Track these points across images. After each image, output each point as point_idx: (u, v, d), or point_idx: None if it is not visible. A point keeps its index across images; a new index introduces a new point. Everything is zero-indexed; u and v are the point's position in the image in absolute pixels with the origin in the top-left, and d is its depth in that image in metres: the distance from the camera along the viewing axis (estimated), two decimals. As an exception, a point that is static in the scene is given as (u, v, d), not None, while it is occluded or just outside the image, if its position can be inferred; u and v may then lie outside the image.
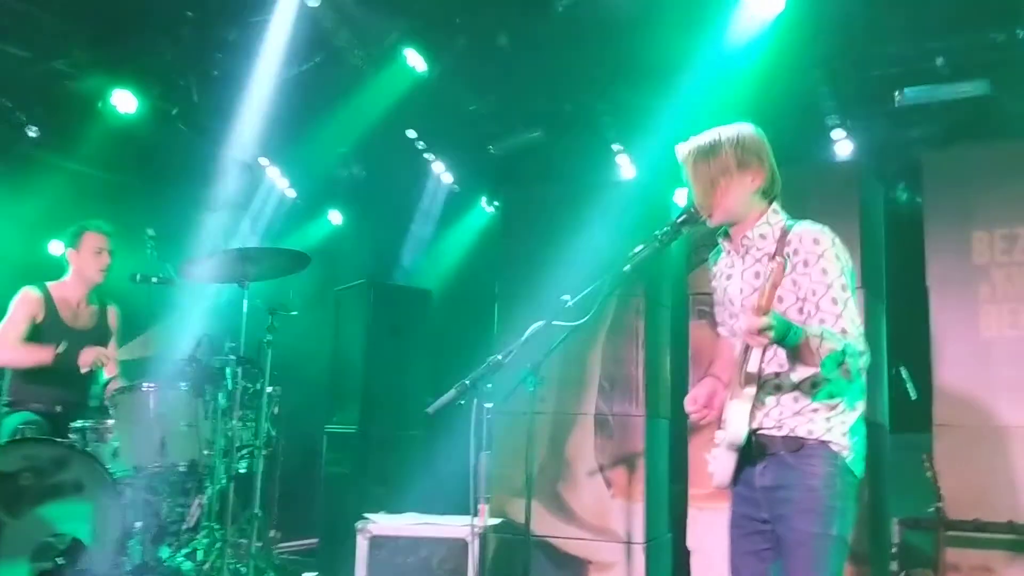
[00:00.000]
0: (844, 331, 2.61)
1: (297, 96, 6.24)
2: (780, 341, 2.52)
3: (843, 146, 5.87)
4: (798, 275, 2.69)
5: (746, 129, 2.84)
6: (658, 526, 5.25)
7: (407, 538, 4.44)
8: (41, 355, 4.76)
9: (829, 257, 2.69)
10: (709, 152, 2.80)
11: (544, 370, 3.49)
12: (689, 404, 2.92)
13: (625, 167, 6.65)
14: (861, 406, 2.78)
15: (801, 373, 2.69)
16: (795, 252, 2.69)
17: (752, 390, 2.72)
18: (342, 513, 6.12)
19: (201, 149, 6.80)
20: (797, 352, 2.60)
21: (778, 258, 2.57)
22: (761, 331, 2.45)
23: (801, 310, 2.70)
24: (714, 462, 2.82)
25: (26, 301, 4.85)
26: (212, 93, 6.29)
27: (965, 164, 4.86)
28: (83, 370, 4.77)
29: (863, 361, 2.63)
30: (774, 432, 2.74)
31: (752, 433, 2.74)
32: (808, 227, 2.75)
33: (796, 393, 2.73)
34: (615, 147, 6.56)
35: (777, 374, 2.75)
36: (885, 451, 4.85)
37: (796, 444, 2.71)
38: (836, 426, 2.71)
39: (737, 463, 2.78)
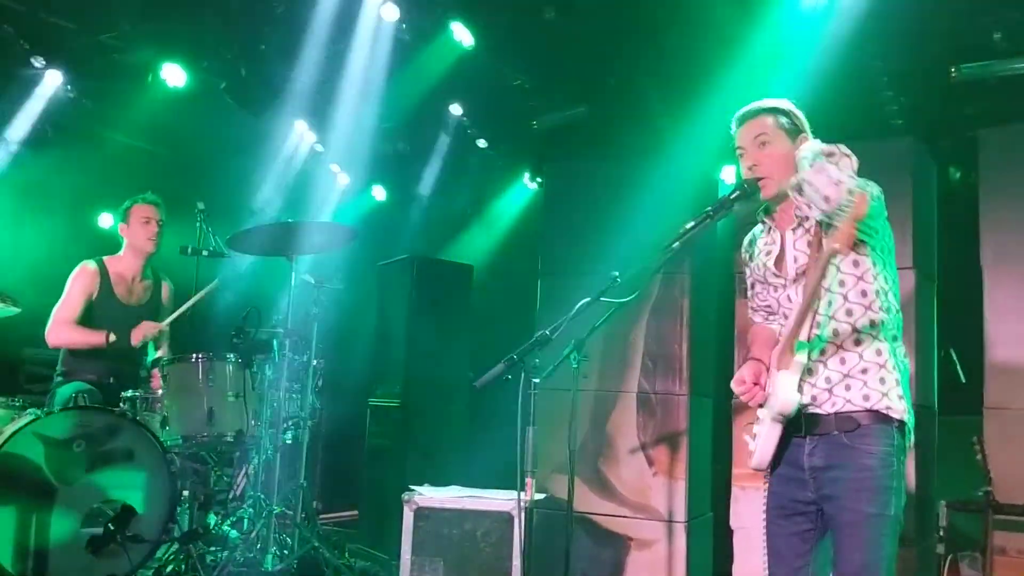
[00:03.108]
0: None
1: (343, 70, 6.25)
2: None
3: (897, 123, 5.74)
4: None
5: (789, 102, 2.91)
6: (700, 505, 5.23)
7: (452, 510, 4.47)
8: (94, 339, 4.88)
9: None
10: (761, 121, 2.86)
11: (587, 347, 3.48)
12: (737, 384, 2.88)
13: (670, 143, 6.57)
14: (903, 356, 2.76)
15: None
16: None
17: (803, 357, 2.70)
18: (384, 485, 6.18)
19: (249, 123, 6.85)
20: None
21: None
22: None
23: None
24: (756, 439, 2.79)
25: (83, 275, 4.99)
26: (260, 67, 6.33)
27: (1022, 141, 4.75)
28: (135, 343, 4.88)
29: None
30: (827, 410, 2.71)
31: (801, 410, 2.72)
32: None
33: (842, 354, 2.71)
34: (661, 123, 6.48)
35: (820, 337, 2.72)
36: (934, 433, 4.78)
37: (852, 424, 2.68)
38: (892, 388, 2.69)
39: (780, 443, 2.75)
